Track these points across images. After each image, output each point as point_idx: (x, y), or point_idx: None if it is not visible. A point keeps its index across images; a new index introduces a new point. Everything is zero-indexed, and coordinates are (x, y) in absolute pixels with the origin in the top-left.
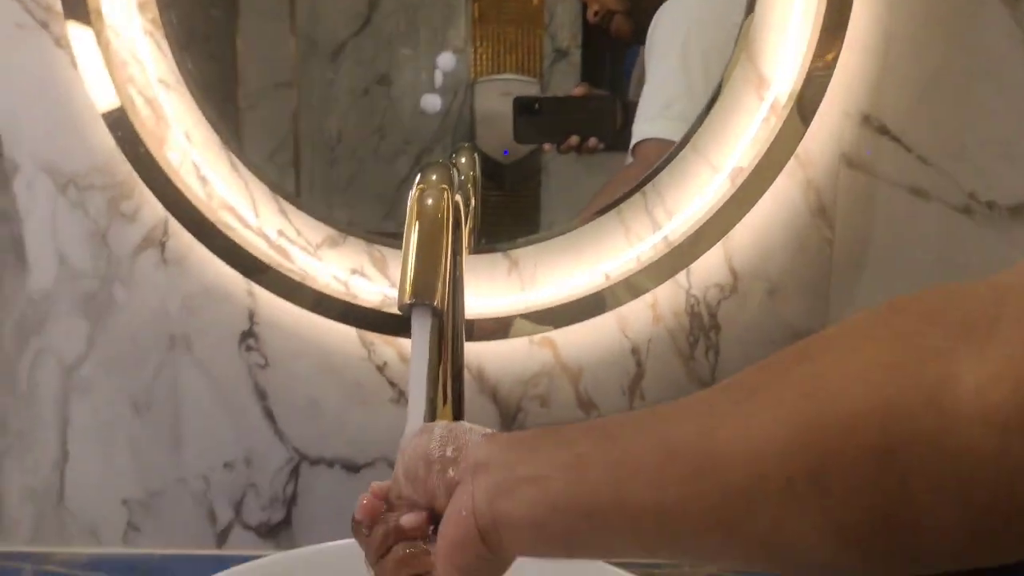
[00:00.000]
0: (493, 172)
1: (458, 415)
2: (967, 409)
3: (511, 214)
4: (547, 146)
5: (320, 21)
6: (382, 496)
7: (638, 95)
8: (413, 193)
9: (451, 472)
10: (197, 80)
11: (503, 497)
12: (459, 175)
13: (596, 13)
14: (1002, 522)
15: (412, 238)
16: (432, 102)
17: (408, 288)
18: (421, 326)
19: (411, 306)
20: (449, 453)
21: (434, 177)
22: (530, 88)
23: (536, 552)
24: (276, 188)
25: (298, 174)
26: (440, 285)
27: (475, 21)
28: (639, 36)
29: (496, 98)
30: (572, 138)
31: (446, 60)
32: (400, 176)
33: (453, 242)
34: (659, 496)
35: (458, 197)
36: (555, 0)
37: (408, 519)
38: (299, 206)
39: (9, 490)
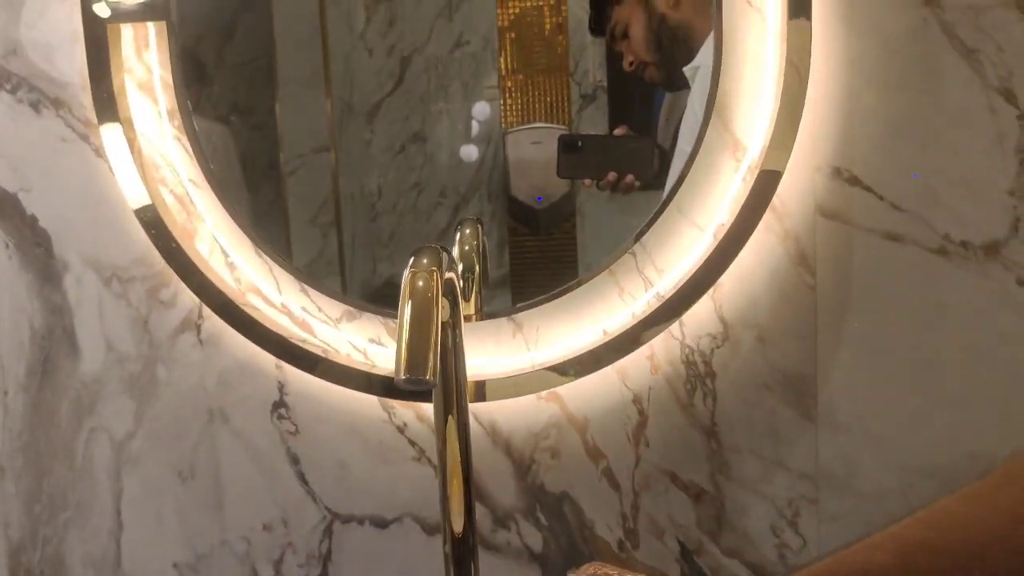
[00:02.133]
0: (527, 218)
1: (467, 468)
2: None
3: (548, 258)
4: (587, 182)
5: (355, 85)
6: None
7: (667, 137)
8: (405, 276)
9: None
10: (220, 180)
11: None
12: (459, 249)
13: (631, 63)
14: None
15: (405, 318)
16: (470, 151)
17: (403, 365)
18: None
19: (406, 381)
20: None
21: (424, 260)
22: (560, 135)
23: None
24: (296, 272)
25: (340, 233)
26: (432, 358)
27: (503, 73)
28: (670, 84)
29: (527, 147)
30: (611, 174)
31: (481, 109)
32: (439, 227)
33: (452, 316)
34: None
35: (451, 275)
36: (579, 47)
37: None
38: (317, 287)
39: (72, 558)
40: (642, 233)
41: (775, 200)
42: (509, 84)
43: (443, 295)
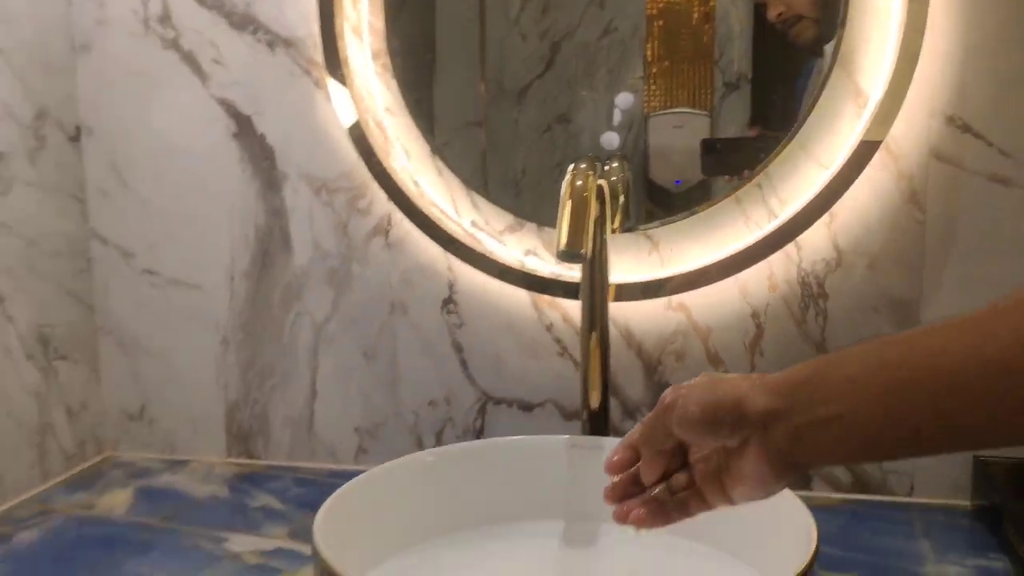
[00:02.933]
0: (664, 200)
1: (605, 359)
2: None
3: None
4: (727, 177)
5: (507, 66)
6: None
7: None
8: (567, 176)
9: (737, 426)
10: (413, 108)
11: (807, 437)
12: (606, 168)
13: (780, 15)
14: None
15: (566, 207)
16: (611, 139)
17: (563, 239)
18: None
19: (564, 253)
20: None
21: (583, 165)
22: (701, 120)
23: (845, 464)
24: (469, 184)
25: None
26: (586, 238)
27: (649, 60)
28: (817, 46)
29: (669, 131)
30: (745, 172)
31: (624, 99)
32: None
33: (599, 215)
34: (942, 408)
35: (601, 181)
36: (725, 36)
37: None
38: (487, 197)
39: (275, 418)
40: (766, 165)
41: (890, 142)
42: (654, 70)
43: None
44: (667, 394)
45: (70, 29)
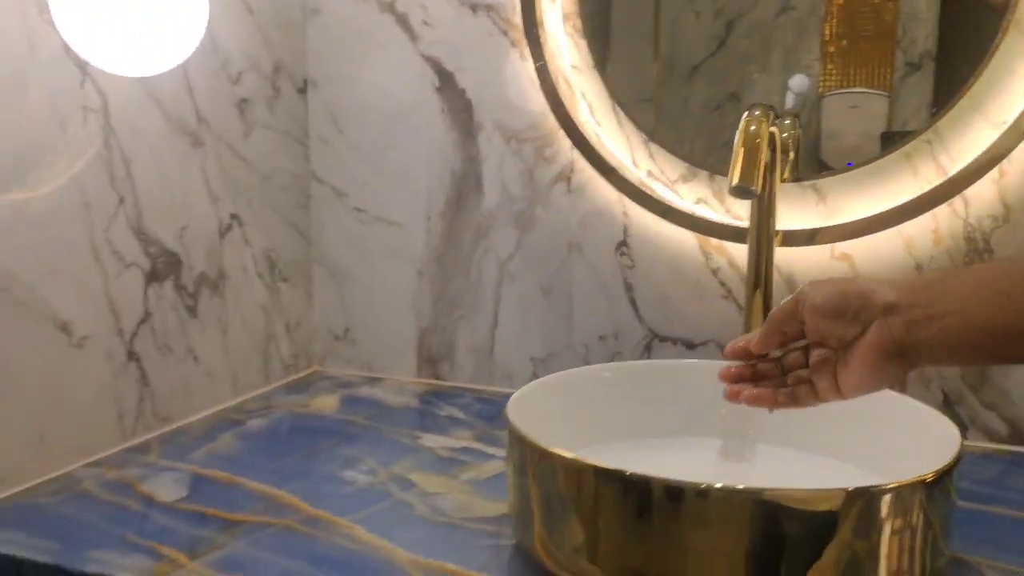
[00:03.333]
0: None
1: (768, 292)
2: None
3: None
4: None
5: (679, 44)
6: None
7: None
8: (742, 121)
9: (862, 313)
10: (598, 64)
11: (919, 329)
12: (779, 121)
13: None
14: None
15: (740, 146)
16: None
17: (736, 175)
18: (745, 201)
19: (737, 188)
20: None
21: (757, 112)
22: (879, 101)
23: (941, 363)
24: (648, 134)
25: None
26: (757, 176)
27: (827, 39)
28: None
29: (844, 111)
30: None
31: (798, 82)
32: None
33: (770, 160)
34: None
35: (774, 128)
36: (909, 16)
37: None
38: (663, 145)
39: (460, 344)
40: (936, 121)
41: None
42: (831, 49)
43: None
44: (804, 286)
45: None
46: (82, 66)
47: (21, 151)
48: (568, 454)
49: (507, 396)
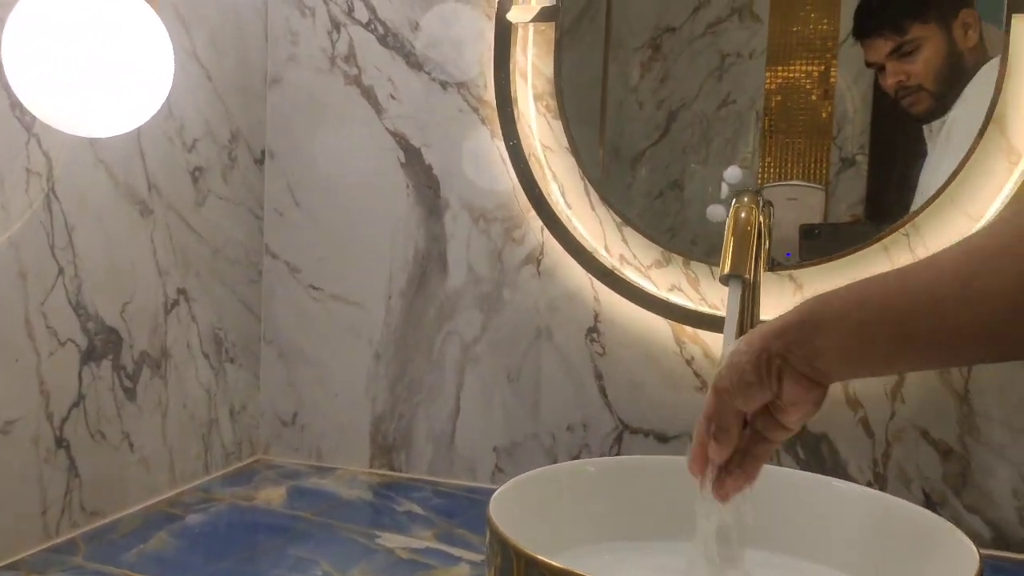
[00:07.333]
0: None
1: None
2: None
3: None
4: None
5: (623, 132)
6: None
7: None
8: (733, 206)
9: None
10: (570, 147)
11: (814, 365)
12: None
13: (900, 82)
14: None
15: (731, 234)
16: (717, 212)
17: (728, 264)
18: (735, 290)
19: (729, 276)
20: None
21: (746, 199)
22: (816, 194)
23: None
24: (623, 219)
25: None
26: (749, 264)
27: (764, 133)
28: (929, 118)
29: (783, 203)
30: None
31: (732, 173)
32: None
33: (757, 247)
34: (937, 323)
35: (761, 217)
36: (843, 115)
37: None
38: (637, 229)
39: (418, 433)
40: (915, 215)
41: None
42: (770, 143)
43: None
44: (713, 385)
45: (265, 63)
46: (28, 125)
47: None
48: (558, 564)
49: (468, 489)
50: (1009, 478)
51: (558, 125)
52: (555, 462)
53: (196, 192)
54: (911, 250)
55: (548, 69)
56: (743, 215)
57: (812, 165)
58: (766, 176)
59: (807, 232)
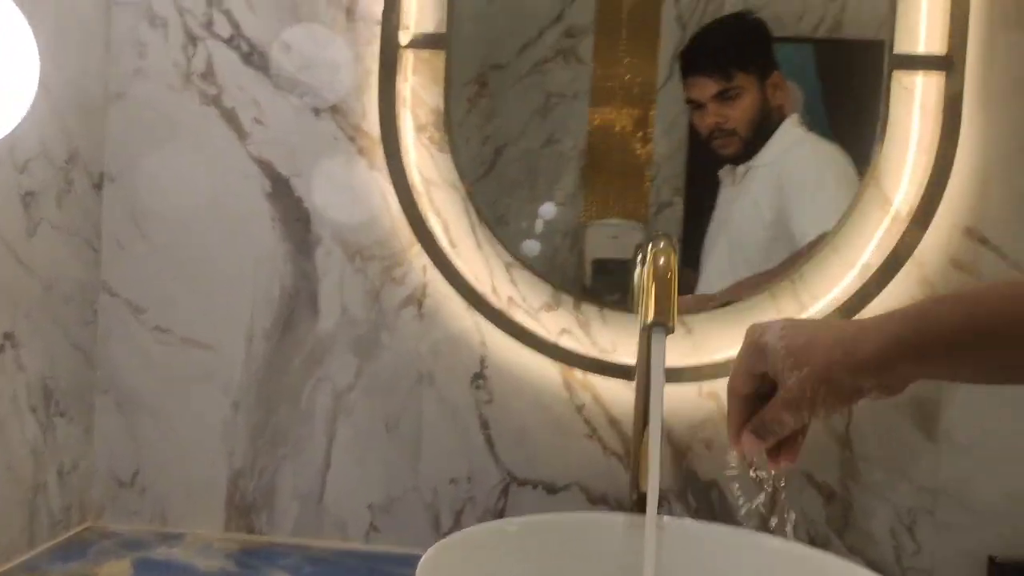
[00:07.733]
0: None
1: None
2: None
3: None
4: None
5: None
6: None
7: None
8: (650, 250)
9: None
10: (457, 181)
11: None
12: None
13: (717, 125)
14: None
15: (651, 281)
16: (531, 247)
17: (651, 312)
18: (659, 339)
19: (653, 324)
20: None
21: (662, 244)
22: (636, 232)
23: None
24: (514, 257)
25: None
26: (672, 311)
27: (586, 171)
28: (736, 159)
29: (606, 241)
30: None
31: (547, 209)
32: None
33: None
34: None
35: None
36: (661, 156)
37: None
38: (529, 269)
39: (283, 489)
40: (801, 265)
41: (916, 251)
42: (592, 182)
43: None
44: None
45: (106, 75)
46: None
47: None
48: None
49: (341, 552)
50: (887, 518)
51: (443, 158)
52: (437, 518)
53: (27, 219)
54: (796, 297)
55: (432, 99)
56: (662, 261)
57: (632, 204)
58: (589, 214)
59: (599, 267)
